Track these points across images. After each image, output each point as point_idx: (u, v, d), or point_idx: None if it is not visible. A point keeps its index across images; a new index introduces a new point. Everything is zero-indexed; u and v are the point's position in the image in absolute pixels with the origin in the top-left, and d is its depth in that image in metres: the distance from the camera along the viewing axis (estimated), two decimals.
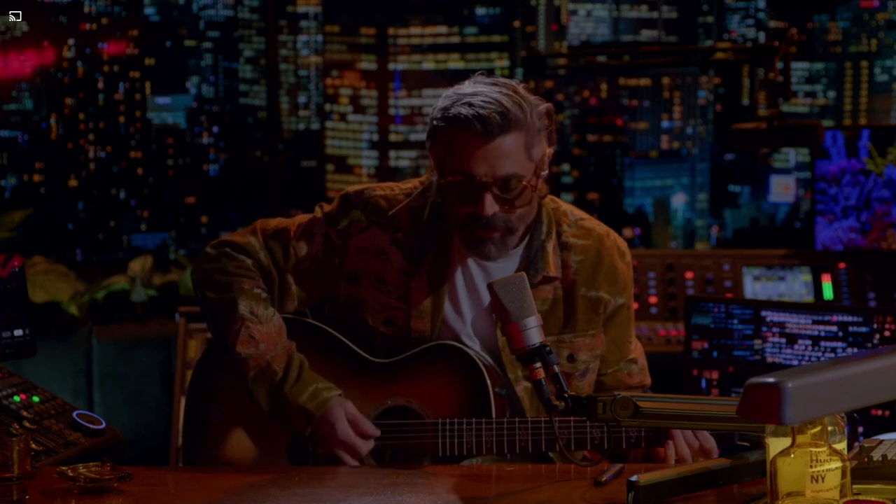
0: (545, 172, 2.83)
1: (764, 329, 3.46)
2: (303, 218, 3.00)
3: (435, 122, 2.81)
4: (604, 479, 2.57)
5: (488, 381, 2.84)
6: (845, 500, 2.08)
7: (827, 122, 8.59)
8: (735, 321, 3.50)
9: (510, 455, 2.82)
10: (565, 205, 2.99)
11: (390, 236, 2.93)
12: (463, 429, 2.81)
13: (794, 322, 3.42)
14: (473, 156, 2.74)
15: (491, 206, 2.76)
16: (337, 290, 2.96)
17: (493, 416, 2.83)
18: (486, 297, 2.90)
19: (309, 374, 2.87)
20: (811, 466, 2.07)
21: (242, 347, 2.88)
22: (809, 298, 4.77)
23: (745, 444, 2.64)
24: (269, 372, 2.87)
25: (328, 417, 2.83)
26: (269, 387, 2.86)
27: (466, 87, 2.81)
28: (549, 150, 2.83)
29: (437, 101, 2.84)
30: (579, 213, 2.99)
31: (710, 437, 2.80)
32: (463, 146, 2.75)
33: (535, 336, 2.51)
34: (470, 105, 2.74)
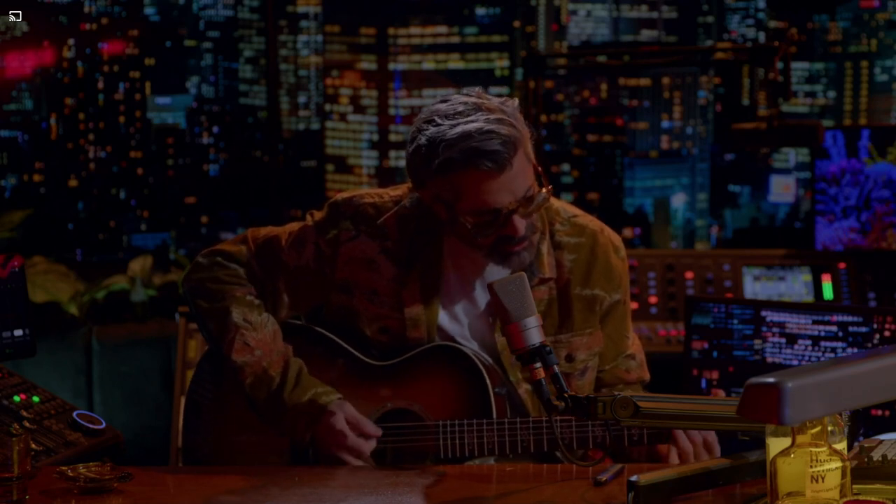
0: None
1: (764, 329, 3.46)
2: (294, 226, 2.99)
3: (434, 168, 2.72)
4: (604, 479, 2.57)
5: (488, 381, 2.83)
6: (845, 500, 2.08)
7: (827, 122, 8.59)
8: (735, 321, 3.50)
9: (512, 455, 2.81)
10: (557, 202, 2.97)
11: (379, 245, 2.91)
12: (464, 430, 2.81)
13: (794, 322, 3.42)
14: (491, 191, 2.69)
15: (521, 224, 2.75)
16: (328, 298, 2.95)
17: (494, 416, 2.82)
18: (481, 302, 2.89)
19: (308, 379, 2.87)
20: (811, 466, 2.07)
21: (238, 356, 2.87)
22: (809, 298, 4.77)
23: (745, 437, 2.64)
24: (266, 378, 2.86)
25: (328, 421, 2.82)
26: (266, 393, 2.86)
27: (445, 126, 2.71)
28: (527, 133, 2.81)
29: (420, 124, 2.73)
30: (572, 209, 2.98)
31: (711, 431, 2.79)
32: (477, 186, 2.70)
33: (535, 336, 2.51)
34: (471, 149, 2.67)
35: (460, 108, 2.72)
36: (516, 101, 2.78)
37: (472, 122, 2.69)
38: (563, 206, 2.97)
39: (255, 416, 2.91)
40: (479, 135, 2.68)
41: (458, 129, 2.69)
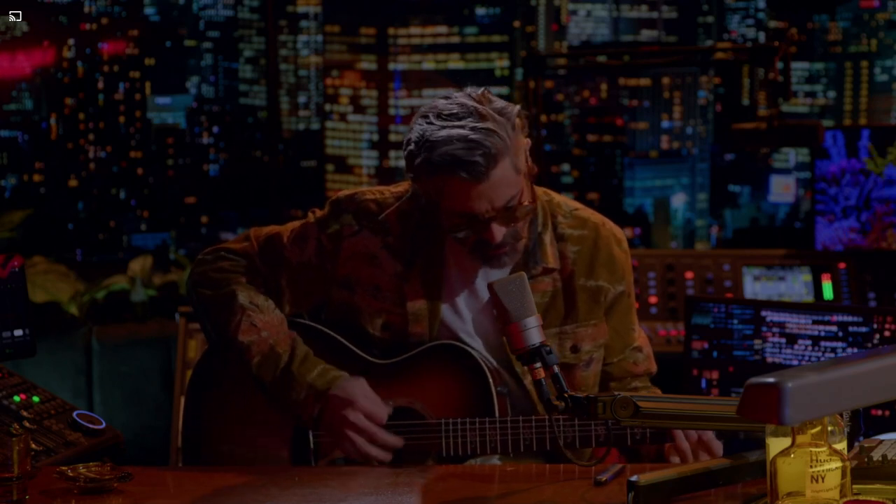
0: (529, 163, 2.81)
1: (764, 329, 3.46)
2: (295, 224, 3.00)
3: (416, 167, 2.75)
4: (604, 479, 2.58)
5: (490, 380, 2.84)
6: (845, 500, 2.08)
7: (827, 122, 8.59)
8: (735, 321, 3.51)
9: (513, 454, 2.82)
10: (559, 196, 2.99)
11: (381, 240, 2.92)
12: (467, 428, 2.81)
13: (794, 322, 3.42)
14: (469, 197, 2.71)
15: (499, 231, 2.76)
16: (330, 295, 2.96)
17: (496, 414, 2.83)
18: (484, 296, 2.89)
19: (316, 359, 2.87)
20: (811, 466, 2.07)
21: (244, 336, 2.88)
22: (809, 298, 4.77)
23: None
24: (273, 355, 2.86)
25: (345, 391, 2.82)
26: (274, 370, 2.86)
27: (434, 127, 2.72)
28: (527, 142, 2.81)
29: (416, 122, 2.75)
30: (573, 203, 2.99)
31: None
32: (455, 191, 2.72)
33: (535, 336, 2.51)
34: (450, 156, 2.68)
35: (455, 110, 2.73)
36: (518, 107, 2.78)
37: (460, 127, 2.70)
38: (565, 200, 2.98)
39: (255, 415, 2.91)
40: (462, 143, 2.68)
41: (444, 133, 2.70)
